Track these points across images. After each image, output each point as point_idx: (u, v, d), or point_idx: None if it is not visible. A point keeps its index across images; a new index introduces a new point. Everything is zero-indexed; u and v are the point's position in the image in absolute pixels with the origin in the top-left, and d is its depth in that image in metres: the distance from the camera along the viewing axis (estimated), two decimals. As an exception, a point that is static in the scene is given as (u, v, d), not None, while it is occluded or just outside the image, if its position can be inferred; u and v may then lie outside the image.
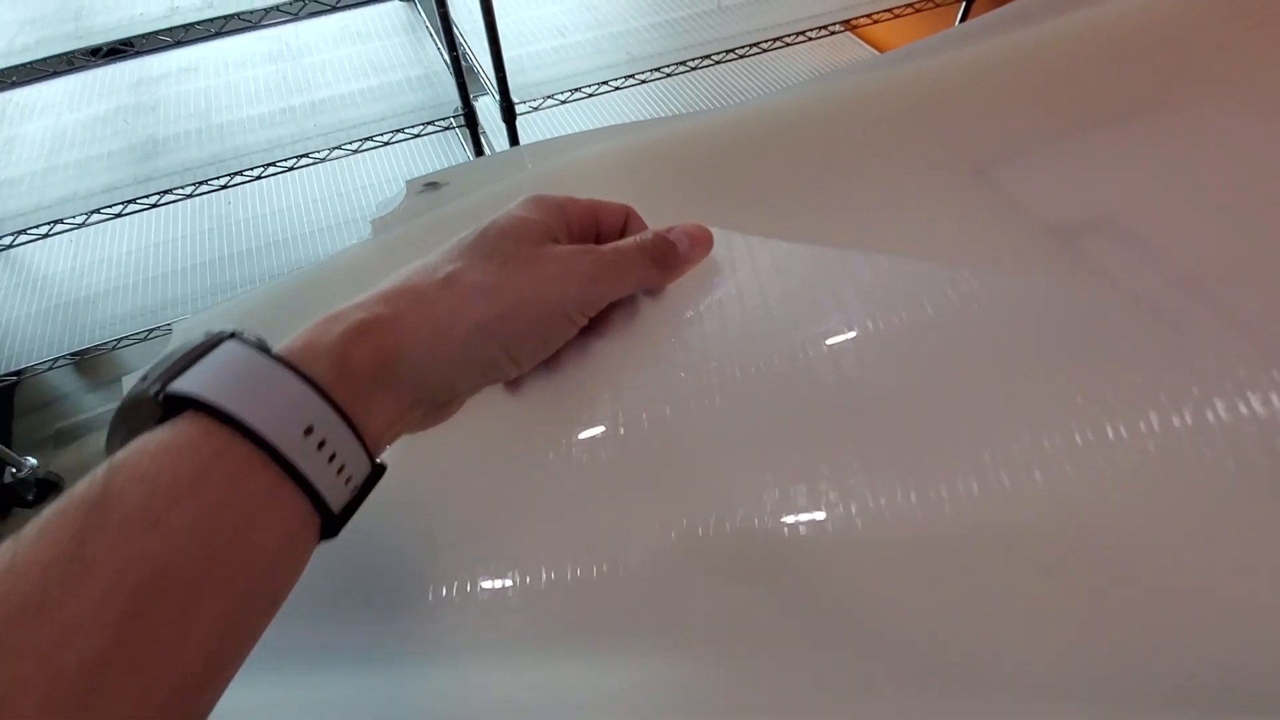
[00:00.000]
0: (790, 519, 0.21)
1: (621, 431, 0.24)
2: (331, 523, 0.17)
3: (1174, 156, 0.37)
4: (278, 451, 0.16)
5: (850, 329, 0.26)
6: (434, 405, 0.21)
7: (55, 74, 0.89)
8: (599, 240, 0.25)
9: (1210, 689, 0.17)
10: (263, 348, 0.17)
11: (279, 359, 0.17)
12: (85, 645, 0.13)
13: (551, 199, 0.24)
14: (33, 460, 1.02)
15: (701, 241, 0.26)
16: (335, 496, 0.17)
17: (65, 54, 0.79)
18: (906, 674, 0.19)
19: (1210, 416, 0.20)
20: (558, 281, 0.22)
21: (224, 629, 0.15)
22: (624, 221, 0.26)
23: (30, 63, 0.76)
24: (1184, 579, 0.19)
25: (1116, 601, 0.19)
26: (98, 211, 0.83)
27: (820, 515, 0.21)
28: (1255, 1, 0.42)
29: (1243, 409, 0.20)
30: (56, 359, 0.92)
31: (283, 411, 0.16)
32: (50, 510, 0.15)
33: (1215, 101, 0.40)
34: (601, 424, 0.24)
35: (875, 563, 0.20)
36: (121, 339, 0.95)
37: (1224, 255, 0.29)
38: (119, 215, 0.84)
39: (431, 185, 0.35)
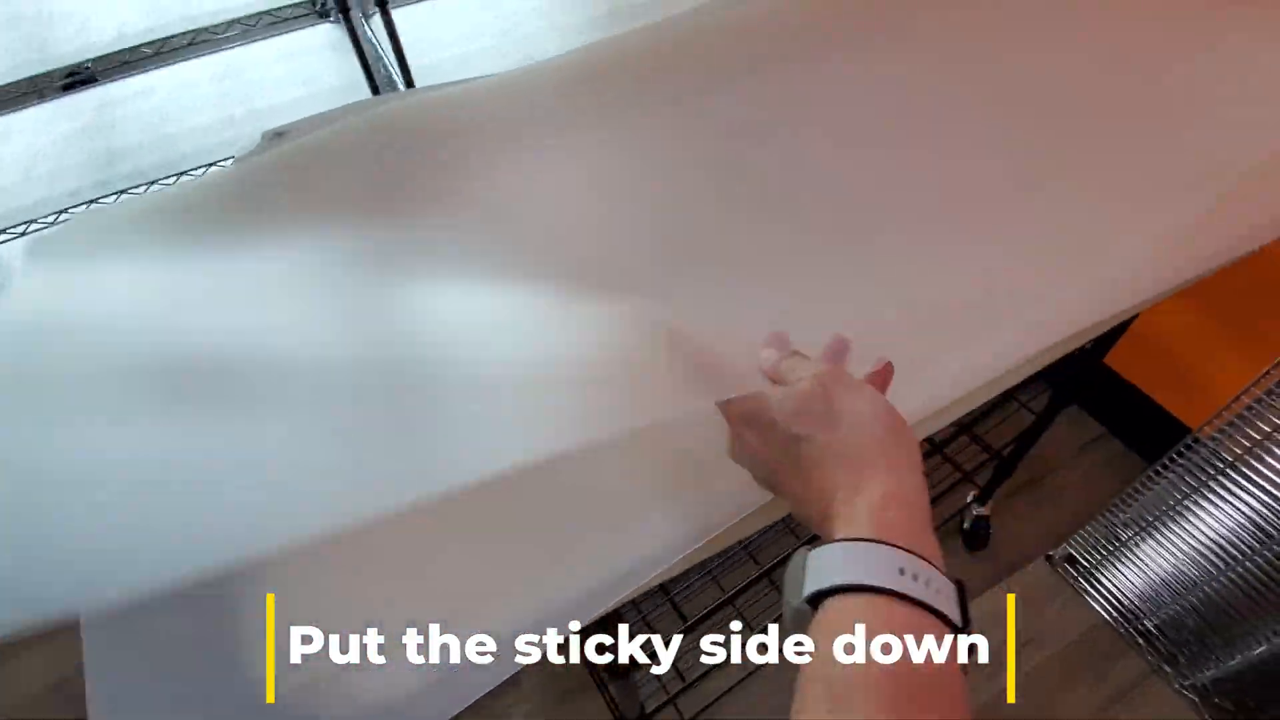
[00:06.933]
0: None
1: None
2: (962, 626, 0.27)
3: (820, 86, 0.52)
4: (905, 595, 0.26)
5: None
6: None
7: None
8: None
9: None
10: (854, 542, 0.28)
11: (879, 542, 0.27)
12: None
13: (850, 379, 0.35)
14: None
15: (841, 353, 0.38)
16: (942, 605, 0.27)
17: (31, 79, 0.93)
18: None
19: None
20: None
21: None
22: None
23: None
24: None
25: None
26: (64, 211, 0.97)
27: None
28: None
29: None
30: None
31: (910, 576, 0.26)
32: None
33: (851, 49, 0.55)
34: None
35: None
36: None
37: (848, 150, 0.45)
38: (84, 214, 0.98)
39: (279, 135, 0.49)
